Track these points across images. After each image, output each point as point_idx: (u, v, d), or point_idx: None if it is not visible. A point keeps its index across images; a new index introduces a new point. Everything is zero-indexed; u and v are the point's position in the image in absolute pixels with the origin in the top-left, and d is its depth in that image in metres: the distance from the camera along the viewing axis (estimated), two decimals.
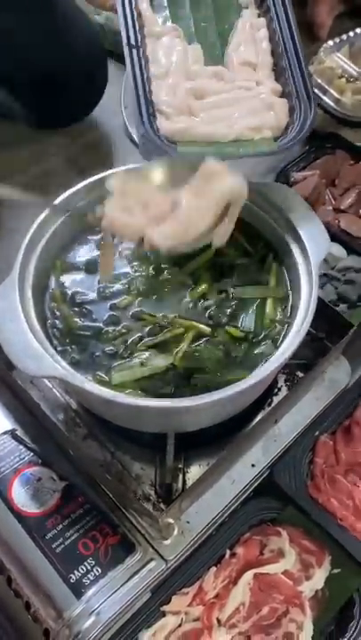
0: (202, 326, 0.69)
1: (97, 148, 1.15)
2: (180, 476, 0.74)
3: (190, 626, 0.73)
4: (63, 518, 0.72)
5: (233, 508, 0.78)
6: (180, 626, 0.73)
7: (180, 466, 0.74)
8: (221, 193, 0.64)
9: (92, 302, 0.71)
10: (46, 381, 0.81)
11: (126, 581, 0.70)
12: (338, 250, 0.99)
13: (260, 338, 0.69)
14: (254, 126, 0.70)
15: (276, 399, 0.80)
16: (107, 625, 0.67)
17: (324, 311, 0.81)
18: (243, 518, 0.79)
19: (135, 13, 0.74)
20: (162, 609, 0.73)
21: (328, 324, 0.83)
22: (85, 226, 0.74)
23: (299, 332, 0.65)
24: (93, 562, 0.70)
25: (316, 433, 0.84)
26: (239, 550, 0.77)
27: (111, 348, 0.68)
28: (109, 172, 0.75)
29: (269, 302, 0.71)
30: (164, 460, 0.73)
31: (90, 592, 0.68)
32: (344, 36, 1.14)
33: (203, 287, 0.72)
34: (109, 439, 0.77)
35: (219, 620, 0.73)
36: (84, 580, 0.68)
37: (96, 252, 0.74)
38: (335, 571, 0.78)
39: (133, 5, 0.74)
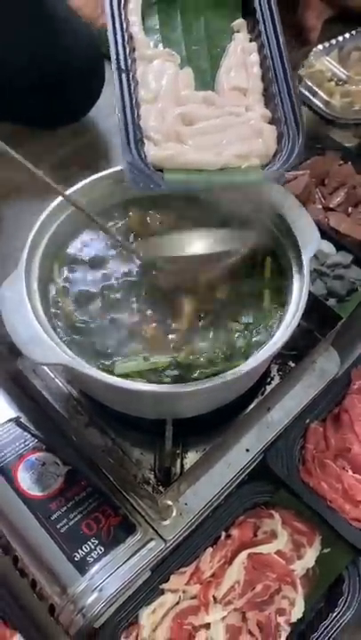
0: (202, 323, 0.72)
1: (94, 148, 1.17)
2: (178, 461, 0.77)
3: (188, 603, 0.76)
4: (67, 501, 0.75)
5: (228, 491, 0.81)
6: (178, 603, 0.76)
7: (178, 451, 0.77)
8: None
9: (94, 295, 0.73)
10: (48, 371, 0.84)
11: (127, 560, 0.73)
12: (327, 247, 1.02)
13: (258, 328, 0.71)
14: (243, 154, 0.69)
15: (268, 388, 0.83)
16: (109, 600, 0.71)
17: (314, 305, 0.84)
18: (237, 501, 0.82)
19: (126, 36, 0.72)
20: (161, 587, 0.76)
21: (318, 317, 0.87)
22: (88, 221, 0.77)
23: (291, 322, 0.68)
24: (96, 541, 0.73)
25: (307, 420, 0.88)
26: (234, 532, 0.81)
27: (113, 340, 0.70)
28: (110, 170, 0.78)
29: (266, 294, 0.74)
30: (162, 445, 0.76)
31: (93, 569, 0.71)
32: (333, 41, 1.17)
33: (201, 282, 0.74)
34: (110, 426, 0.80)
35: (215, 598, 0.76)
36: (87, 558, 0.72)
37: (98, 245, 0.77)
38: (325, 550, 0.81)
39: (125, 28, 0.73)
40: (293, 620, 0.77)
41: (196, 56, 0.75)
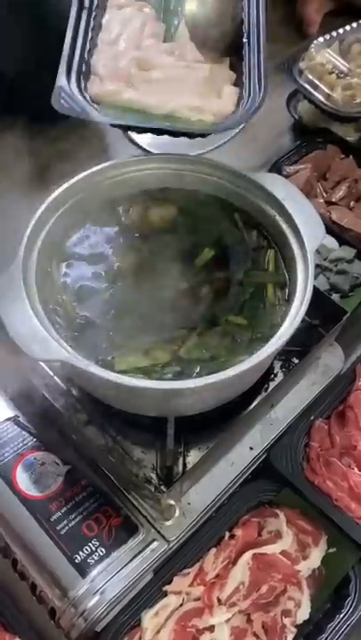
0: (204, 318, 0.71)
1: (92, 142, 1.16)
2: (181, 460, 0.75)
3: (192, 605, 0.75)
4: (67, 501, 0.74)
5: (232, 490, 0.80)
6: (181, 605, 0.75)
7: (180, 449, 0.75)
8: None
9: (93, 291, 0.72)
10: (47, 369, 0.82)
11: (130, 561, 0.71)
12: (330, 241, 1.01)
13: (262, 323, 0.70)
14: (195, 106, 0.66)
15: (272, 384, 0.81)
16: (111, 603, 0.69)
17: (318, 299, 0.83)
18: (241, 501, 0.81)
19: None
20: (164, 589, 0.75)
21: (322, 312, 0.85)
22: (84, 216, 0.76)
23: (296, 316, 0.66)
24: (97, 543, 0.71)
25: (312, 417, 0.87)
26: (238, 532, 0.79)
27: (113, 336, 0.69)
28: (106, 164, 0.77)
29: (269, 287, 0.72)
30: (164, 443, 0.74)
31: (94, 572, 0.70)
32: (334, 33, 1.16)
33: (203, 276, 0.73)
34: (110, 424, 0.78)
35: (219, 600, 0.75)
36: (88, 560, 0.70)
37: (96, 240, 0.76)
38: (331, 550, 0.80)
39: None
40: (299, 621, 0.75)
41: (175, 14, 0.72)
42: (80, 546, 0.71)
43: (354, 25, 1.17)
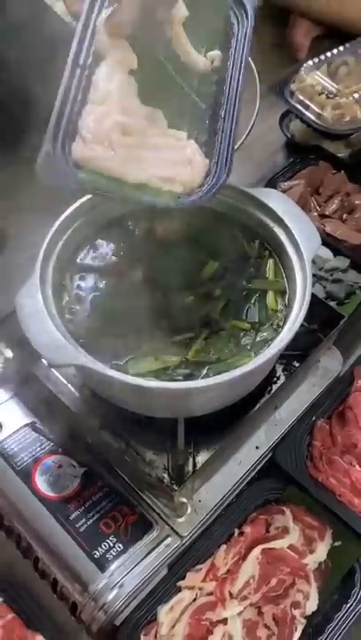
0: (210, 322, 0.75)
1: None
2: (191, 459, 0.78)
3: (205, 600, 0.78)
4: (85, 501, 0.77)
5: (240, 488, 0.83)
6: (195, 600, 0.78)
7: (190, 450, 0.79)
8: None
9: (104, 301, 0.76)
10: (61, 377, 0.86)
11: (145, 556, 0.74)
12: (325, 252, 1.06)
13: (264, 327, 0.74)
14: (166, 177, 0.67)
15: (275, 387, 0.85)
16: (129, 597, 0.72)
17: (316, 305, 0.87)
18: (249, 499, 0.84)
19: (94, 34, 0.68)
20: (178, 584, 0.78)
21: (320, 318, 0.89)
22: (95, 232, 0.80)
23: (296, 320, 0.71)
24: (115, 539, 0.75)
25: (314, 418, 0.90)
26: (247, 529, 0.83)
27: (125, 343, 0.72)
28: None
29: (270, 294, 0.77)
30: (174, 445, 0.78)
31: (113, 566, 0.73)
32: (322, 56, 1.22)
33: (208, 285, 0.78)
34: (123, 429, 0.81)
35: (231, 594, 0.78)
36: (107, 556, 0.73)
37: (107, 254, 0.81)
38: (336, 543, 0.83)
39: (95, 22, 0.68)
40: (308, 612, 0.79)
41: (155, 67, 0.73)
42: (98, 542, 0.75)
43: (341, 48, 1.24)
